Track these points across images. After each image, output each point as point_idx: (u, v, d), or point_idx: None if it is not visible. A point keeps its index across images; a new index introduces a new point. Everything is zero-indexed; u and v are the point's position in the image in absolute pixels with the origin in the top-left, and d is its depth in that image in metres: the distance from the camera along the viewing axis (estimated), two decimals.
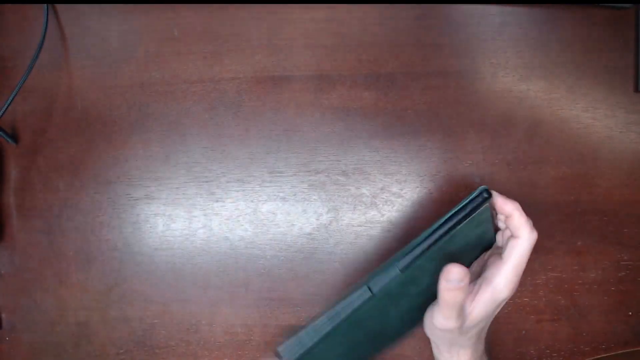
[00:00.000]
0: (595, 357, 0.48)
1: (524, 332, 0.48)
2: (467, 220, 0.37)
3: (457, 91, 0.49)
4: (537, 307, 0.48)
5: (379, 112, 0.49)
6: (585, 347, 0.48)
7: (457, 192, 0.48)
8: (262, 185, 0.49)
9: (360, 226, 0.49)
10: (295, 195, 0.49)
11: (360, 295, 0.37)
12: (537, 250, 0.48)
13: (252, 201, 0.49)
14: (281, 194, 0.49)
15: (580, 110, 0.48)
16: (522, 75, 0.48)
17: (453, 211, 0.37)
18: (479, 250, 0.43)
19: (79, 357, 0.50)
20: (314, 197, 0.49)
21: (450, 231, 0.37)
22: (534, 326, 0.48)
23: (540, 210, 0.48)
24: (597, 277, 0.48)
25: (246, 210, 0.49)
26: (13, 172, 0.51)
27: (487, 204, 0.38)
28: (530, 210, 0.48)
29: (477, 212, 0.38)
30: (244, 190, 0.49)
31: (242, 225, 0.50)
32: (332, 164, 0.49)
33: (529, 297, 0.48)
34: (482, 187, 0.38)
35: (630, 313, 0.48)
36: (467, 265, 0.43)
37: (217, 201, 0.50)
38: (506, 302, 0.48)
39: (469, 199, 0.38)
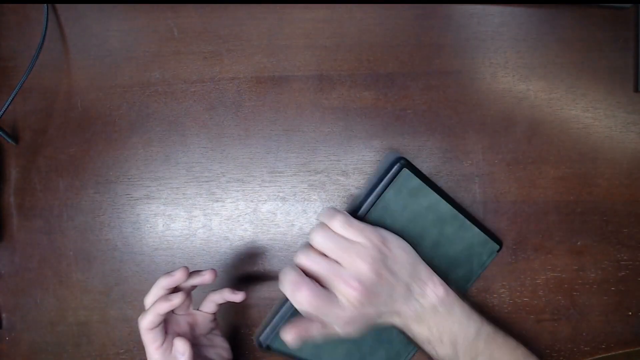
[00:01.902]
0: (595, 357, 0.48)
1: (524, 332, 0.48)
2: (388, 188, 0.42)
3: (457, 91, 0.49)
4: (537, 307, 0.48)
5: (378, 112, 0.49)
6: (585, 347, 0.48)
7: (457, 192, 0.48)
8: (262, 185, 0.49)
9: None
10: (295, 195, 0.49)
11: None
12: (537, 250, 0.48)
13: (252, 201, 0.49)
14: (281, 194, 0.49)
15: (580, 110, 0.48)
16: (522, 75, 0.48)
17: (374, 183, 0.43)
18: (443, 225, 0.45)
19: (79, 357, 0.50)
20: (314, 197, 0.49)
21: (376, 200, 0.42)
22: (534, 326, 0.48)
23: (540, 210, 0.48)
24: (597, 277, 0.48)
25: (246, 210, 0.49)
26: (13, 172, 0.51)
27: (404, 172, 0.43)
28: (530, 210, 0.48)
29: (394, 180, 0.42)
30: (244, 190, 0.49)
31: (242, 225, 0.50)
32: (332, 164, 0.49)
33: (529, 297, 0.48)
34: (396, 157, 0.43)
35: (630, 313, 0.48)
36: (435, 241, 0.45)
37: (217, 201, 0.50)
38: (506, 303, 0.48)
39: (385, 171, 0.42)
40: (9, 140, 0.50)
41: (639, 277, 0.48)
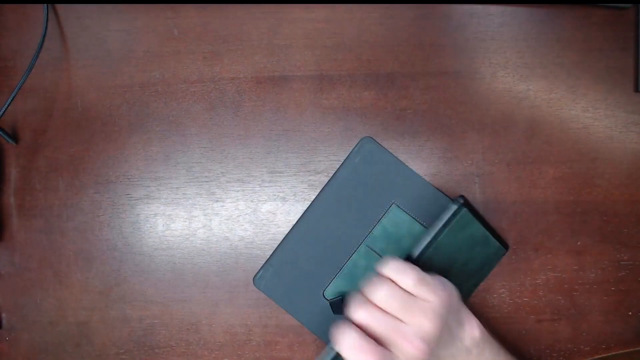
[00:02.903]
0: (595, 357, 0.48)
1: (524, 332, 0.48)
2: (446, 229, 0.42)
3: (457, 91, 0.49)
4: (537, 307, 0.48)
5: (378, 112, 0.49)
6: (585, 347, 0.48)
7: (457, 192, 0.48)
8: (262, 185, 0.49)
9: None
10: (295, 195, 0.49)
11: None
12: (537, 250, 0.48)
13: (252, 201, 0.49)
14: (281, 194, 0.49)
15: (580, 110, 0.48)
16: (522, 75, 0.48)
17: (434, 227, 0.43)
18: (474, 248, 0.45)
19: (79, 357, 0.50)
20: (314, 197, 0.49)
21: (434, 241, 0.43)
22: (534, 326, 0.48)
23: (540, 210, 0.48)
24: (597, 277, 0.48)
25: (246, 210, 0.49)
26: (13, 172, 0.51)
27: (462, 212, 0.43)
28: (530, 210, 0.48)
29: (453, 221, 0.43)
30: (244, 190, 0.49)
31: (242, 225, 0.50)
32: (332, 164, 0.49)
33: (529, 297, 0.48)
34: (458, 200, 0.43)
35: (630, 313, 0.48)
36: (463, 263, 0.45)
37: (217, 201, 0.50)
38: (506, 302, 0.48)
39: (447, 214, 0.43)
40: (9, 140, 0.50)
41: (639, 277, 0.48)
